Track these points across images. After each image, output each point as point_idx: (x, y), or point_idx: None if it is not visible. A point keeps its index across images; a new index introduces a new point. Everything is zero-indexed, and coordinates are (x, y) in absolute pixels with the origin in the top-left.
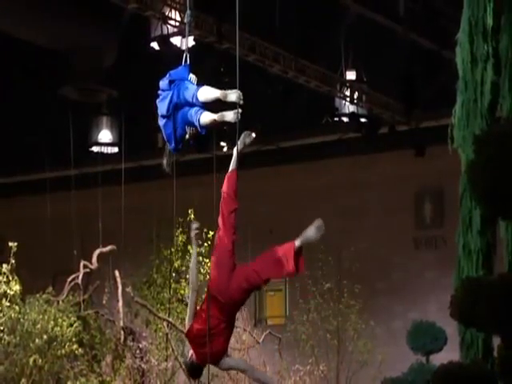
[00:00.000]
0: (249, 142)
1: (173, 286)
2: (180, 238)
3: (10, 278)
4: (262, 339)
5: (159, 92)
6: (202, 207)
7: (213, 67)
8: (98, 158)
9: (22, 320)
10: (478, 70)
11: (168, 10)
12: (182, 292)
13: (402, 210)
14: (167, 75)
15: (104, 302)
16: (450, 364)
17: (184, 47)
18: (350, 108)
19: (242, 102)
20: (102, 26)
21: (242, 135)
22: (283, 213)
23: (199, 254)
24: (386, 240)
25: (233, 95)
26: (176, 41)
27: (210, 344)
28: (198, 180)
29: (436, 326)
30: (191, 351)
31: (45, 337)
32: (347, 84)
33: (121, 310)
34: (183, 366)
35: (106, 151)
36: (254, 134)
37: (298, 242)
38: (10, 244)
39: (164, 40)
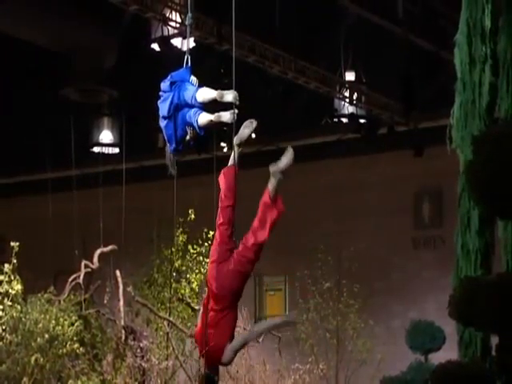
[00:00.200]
0: (249, 132)
1: (173, 285)
2: (180, 238)
3: (12, 278)
4: (261, 338)
5: (160, 93)
6: (202, 207)
7: (213, 68)
8: (98, 158)
9: (23, 319)
10: (477, 71)
11: (168, 11)
12: (183, 292)
13: (401, 210)
14: (168, 77)
15: (105, 301)
16: (448, 363)
17: (184, 48)
18: (349, 109)
19: (238, 103)
20: (102, 26)
21: (243, 125)
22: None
23: (199, 253)
24: (385, 240)
25: (229, 95)
26: (176, 42)
27: (210, 341)
28: (199, 180)
29: (435, 325)
30: (202, 361)
31: (46, 336)
32: (346, 85)
33: (122, 309)
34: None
35: (106, 152)
36: (255, 122)
37: (271, 187)
38: (12, 244)
39: (164, 41)
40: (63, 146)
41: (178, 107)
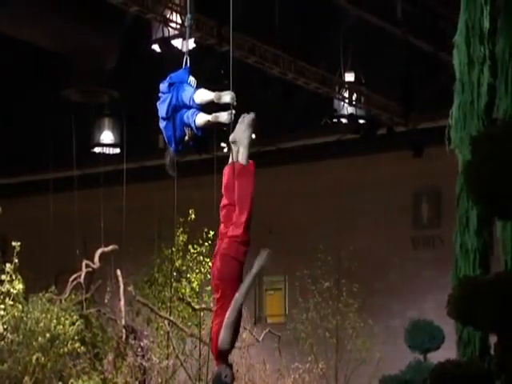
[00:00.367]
0: (243, 127)
1: (174, 285)
2: (181, 238)
3: (14, 277)
4: (261, 337)
5: (160, 94)
6: (202, 207)
7: (213, 69)
8: (100, 158)
9: (25, 319)
10: (475, 72)
11: (169, 12)
12: (183, 291)
13: (400, 210)
14: (167, 78)
15: (106, 300)
16: (447, 362)
17: (185, 49)
18: (348, 109)
19: (235, 103)
20: (103, 28)
21: (240, 119)
22: (283, 213)
23: (200, 253)
24: (385, 240)
25: (226, 96)
26: (177, 43)
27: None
28: (199, 181)
29: (433, 324)
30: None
31: (47, 335)
32: (346, 86)
33: (122, 308)
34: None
35: (107, 152)
36: (253, 115)
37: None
38: (14, 244)
39: (165, 42)
40: (64, 147)
41: (177, 108)
